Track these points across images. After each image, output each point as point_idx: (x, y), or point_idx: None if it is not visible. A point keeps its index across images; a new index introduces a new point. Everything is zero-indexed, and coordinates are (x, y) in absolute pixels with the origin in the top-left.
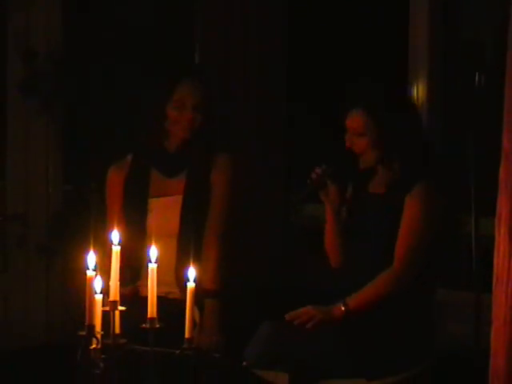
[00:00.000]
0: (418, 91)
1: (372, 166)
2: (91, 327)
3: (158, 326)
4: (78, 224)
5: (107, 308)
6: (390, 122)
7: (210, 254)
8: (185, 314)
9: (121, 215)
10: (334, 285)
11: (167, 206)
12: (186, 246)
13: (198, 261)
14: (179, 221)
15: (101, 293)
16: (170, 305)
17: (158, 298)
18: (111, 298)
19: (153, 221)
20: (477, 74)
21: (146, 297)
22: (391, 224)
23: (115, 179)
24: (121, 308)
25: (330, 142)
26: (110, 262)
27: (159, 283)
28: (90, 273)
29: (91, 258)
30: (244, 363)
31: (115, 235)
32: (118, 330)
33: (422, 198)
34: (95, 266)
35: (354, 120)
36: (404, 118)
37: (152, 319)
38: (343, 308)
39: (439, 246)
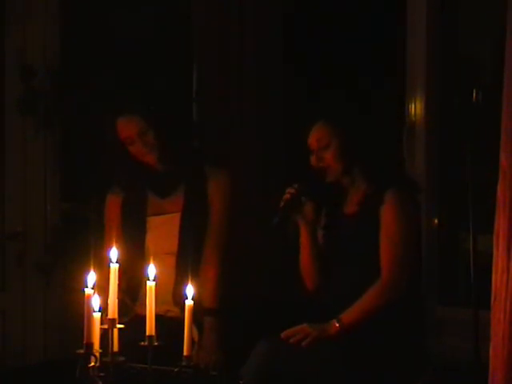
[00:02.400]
0: (416, 108)
1: (338, 178)
2: (89, 345)
3: (156, 343)
4: (76, 242)
5: (106, 326)
6: (352, 128)
7: (209, 272)
8: (183, 333)
9: (120, 239)
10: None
11: (165, 224)
12: (185, 263)
13: (197, 278)
14: (178, 238)
15: (99, 311)
16: (169, 324)
17: (157, 316)
18: (110, 316)
19: (151, 239)
20: (474, 90)
21: (145, 316)
22: (371, 242)
23: (112, 206)
24: (119, 326)
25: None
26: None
27: (158, 302)
28: (88, 291)
29: (91, 278)
30: (241, 382)
31: (114, 253)
32: (116, 348)
33: (395, 204)
34: (94, 285)
35: (318, 133)
36: (365, 125)
37: (150, 337)
38: (337, 324)
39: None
